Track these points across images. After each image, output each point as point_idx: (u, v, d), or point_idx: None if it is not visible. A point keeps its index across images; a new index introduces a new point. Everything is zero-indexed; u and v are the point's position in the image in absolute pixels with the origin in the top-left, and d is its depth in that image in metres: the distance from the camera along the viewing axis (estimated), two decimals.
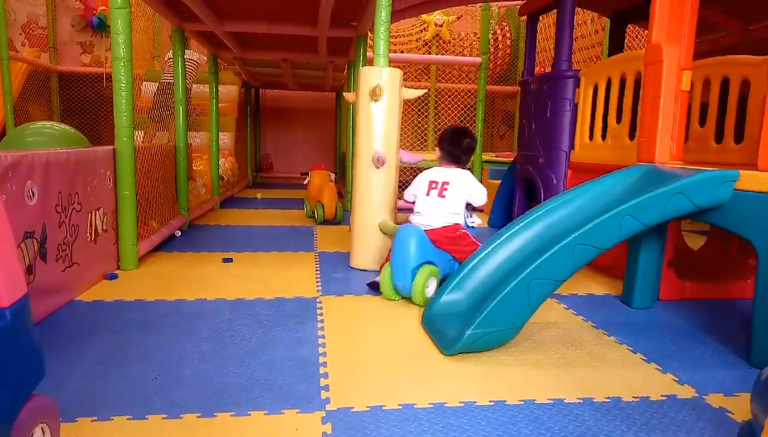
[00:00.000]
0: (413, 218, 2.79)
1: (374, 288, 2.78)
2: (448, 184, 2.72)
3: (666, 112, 2.56)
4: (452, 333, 2.05)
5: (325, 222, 5.00)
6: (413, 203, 2.87)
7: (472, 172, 2.94)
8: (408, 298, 2.64)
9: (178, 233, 4.15)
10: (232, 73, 7.65)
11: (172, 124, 4.59)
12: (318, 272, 3.20)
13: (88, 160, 2.74)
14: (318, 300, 2.65)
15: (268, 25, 4.63)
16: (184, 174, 4.41)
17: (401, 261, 2.55)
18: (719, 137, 3.06)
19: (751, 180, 2.09)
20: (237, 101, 7.67)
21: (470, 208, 2.81)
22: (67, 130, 3.62)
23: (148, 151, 3.60)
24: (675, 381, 1.87)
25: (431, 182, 2.78)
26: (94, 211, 2.79)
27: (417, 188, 2.85)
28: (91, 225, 2.76)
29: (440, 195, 2.71)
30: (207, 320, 2.30)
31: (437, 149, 2.94)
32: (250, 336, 2.14)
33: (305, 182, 5.46)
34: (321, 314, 2.44)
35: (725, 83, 3.02)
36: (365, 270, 3.25)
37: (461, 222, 2.73)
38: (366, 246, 3.27)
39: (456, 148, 2.84)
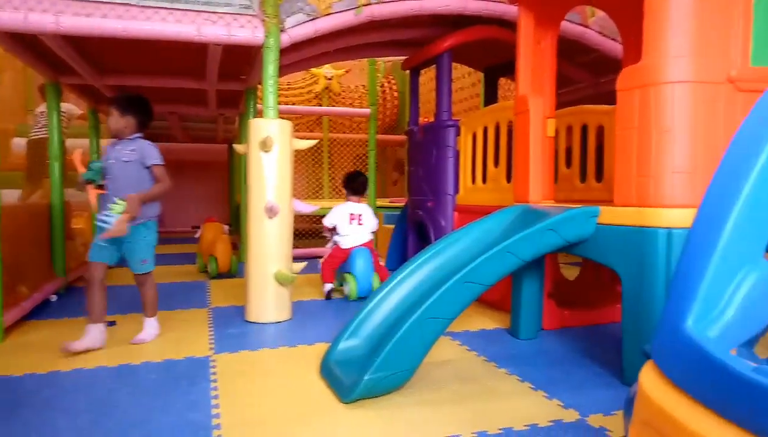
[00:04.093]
0: (343, 240, 3.94)
1: (329, 296, 3.90)
2: (362, 216, 4.03)
3: (535, 157, 2.81)
4: (350, 380, 2.04)
5: (220, 275, 4.84)
6: (331, 227, 4.05)
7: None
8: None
9: (54, 297, 3.81)
10: None
11: (47, 181, 4.27)
12: (211, 329, 3.07)
13: None
14: (211, 358, 2.54)
15: (152, 79, 4.52)
16: (60, 233, 4.09)
17: (365, 273, 3.80)
18: (584, 177, 3.40)
19: (609, 214, 2.33)
20: None
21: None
22: None
23: (16, 210, 3.31)
24: (560, 406, 1.99)
25: (351, 215, 4.00)
26: None
27: (338, 218, 3.99)
28: None
29: (359, 223, 3.99)
30: (85, 392, 2.12)
31: (346, 189, 4.20)
32: (135, 404, 1.99)
33: (197, 236, 5.28)
34: (214, 373, 2.33)
35: (585, 129, 3.37)
36: (263, 324, 3.17)
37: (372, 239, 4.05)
38: (262, 297, 3.21)
39: (353, 183, 4.16)
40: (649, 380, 0.98)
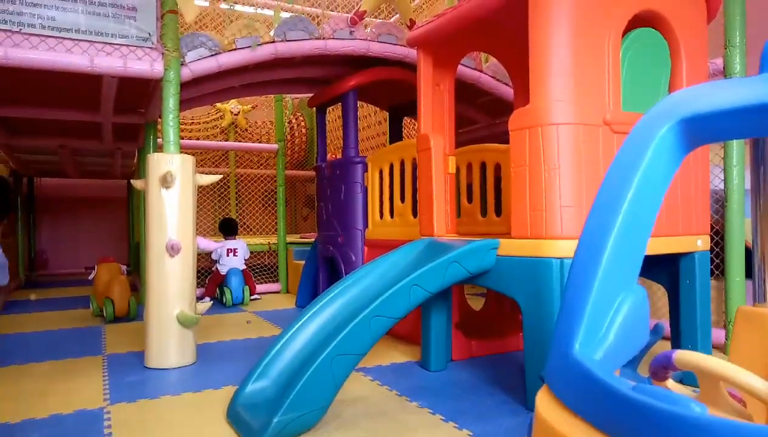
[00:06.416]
0: (222, 267, 5.52)
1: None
2: (237, 250, 5.62)
3: (438, 192, 2.92)
4: (258, 423, 1.97)
5: (117, 320, 4.52)
6: (216, 259, 5.61)
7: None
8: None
9: None
10: None
11: None
12: (106, 378, 2.85)
13: None
14: (105, 410, 2.35)
15: (39, 110, 4.23)
16: None
17: (237, 286, 5.38)
18: (484, 212, 3.57)
19: (508, 246, 2.46)
20: None
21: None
22: None
23: None
24: (470, 435, 2.04)
25: (228, 249, 5.58)
26: None
27: (221, 252, 5.55)
28: None
29: (235, 255, 5.59)
30: None
31: (221, 232, 5.89)
32: None
33: (90, 277, 4.93)
34: (109, 426, 2.16)
35: (484, 166, 3.56)
36: (165, 369, 2.99)
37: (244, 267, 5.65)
38: (164, 341, 3.03)
39: (227, 227, 5.87)
40: (544, 403, 1.04)
